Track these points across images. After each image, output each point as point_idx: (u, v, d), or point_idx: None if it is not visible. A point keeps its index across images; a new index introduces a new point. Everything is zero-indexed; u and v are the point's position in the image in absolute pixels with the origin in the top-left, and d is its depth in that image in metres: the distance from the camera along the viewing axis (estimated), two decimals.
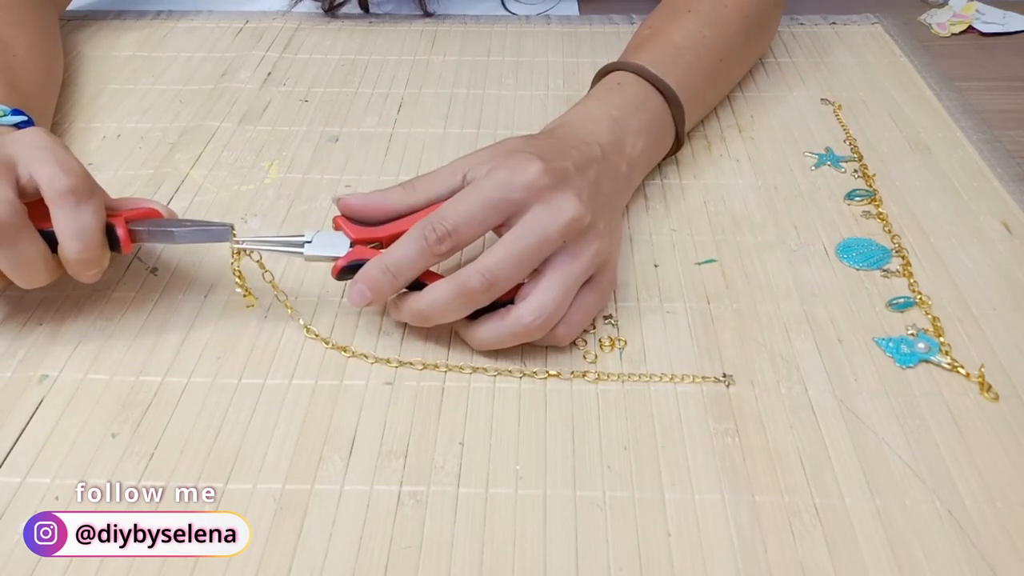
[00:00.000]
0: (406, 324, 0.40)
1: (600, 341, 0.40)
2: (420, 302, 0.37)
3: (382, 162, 0.52)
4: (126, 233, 0.38)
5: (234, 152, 0.53)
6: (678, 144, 0.50)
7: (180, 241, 0.39)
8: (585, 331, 0.40)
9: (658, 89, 0.47)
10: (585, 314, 0.38)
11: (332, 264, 0.38)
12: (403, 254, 0.36)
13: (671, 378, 0.38)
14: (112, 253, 0.38)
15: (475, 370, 0.39)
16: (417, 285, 0.38)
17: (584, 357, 0.39)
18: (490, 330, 0.37)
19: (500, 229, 0.37)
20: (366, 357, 0.39)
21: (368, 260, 0.37)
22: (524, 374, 0.38)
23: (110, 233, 0.37)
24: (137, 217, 0.38)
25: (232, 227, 0.38)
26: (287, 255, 0.38)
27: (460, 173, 0.38)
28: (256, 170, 0.52)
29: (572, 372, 0.38)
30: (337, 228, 0.38)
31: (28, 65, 0.51)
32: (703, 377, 0.38)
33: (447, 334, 0.40)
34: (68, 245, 0.36)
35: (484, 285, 0.35)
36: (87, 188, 0.36)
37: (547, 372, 0.38)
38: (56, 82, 0.56)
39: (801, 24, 0.68)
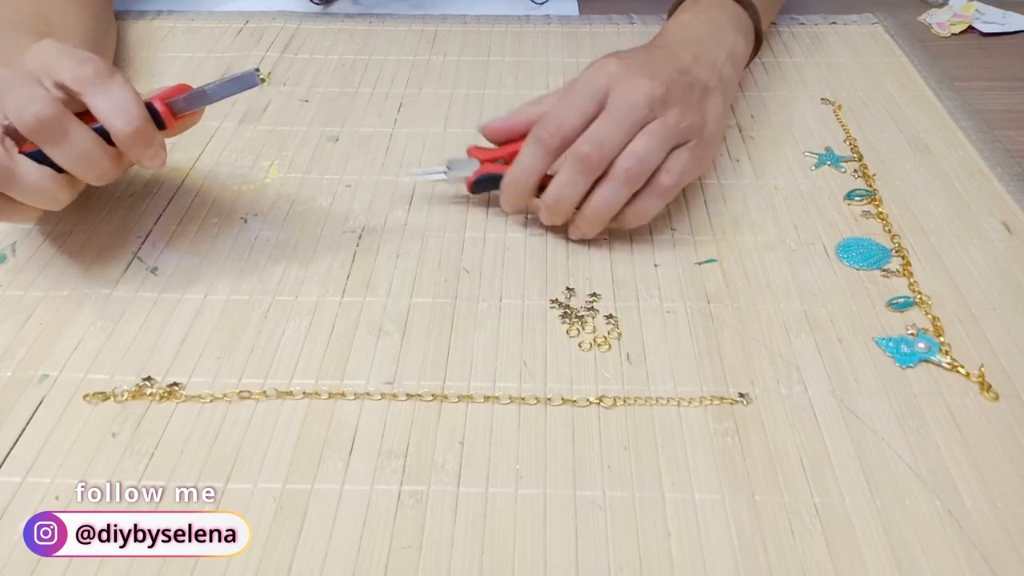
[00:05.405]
0: (403, 337, 0.40)
1: (598, 341, 0.40)
2: (547, 193, 0.43)
3: (382, 162, 0.52)
4: (165, 108, 0.40)
5: (234, 152, 0.53)
6: (758, 43, 0.55)
7: (216, 97, 0.40)
8: (585, 332, 0.40)
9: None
10: (681, 164, 0.43)
11: (465, 181, 0.47)
12: (526, 158, 0.43)
13: (671, 378, 0.38)
14: (163, 134, 0.40)
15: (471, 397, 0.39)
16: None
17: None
18: (599, 193, 0.42)
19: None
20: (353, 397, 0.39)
21: (493, 172, 0.46)
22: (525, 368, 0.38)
23: (152, 113, 0.39)
24: (171, 95, 0.40)
25: (258, 69, 0.40)
26: (435, 182, 0.49)
27: None
28: (256, 170, 0.52)
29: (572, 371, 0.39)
30: (470, 156, 0.48)
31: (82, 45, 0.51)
32: (710, 397, 0.38)
33: (443, 359, 0.40)
34: (115, 123, 0.37)
35: (593, 147, 0.41)
36: (108, 69, 0.38)
37: (548, 393, 0.38)
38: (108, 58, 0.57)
39: (801, 24, 0.68)
